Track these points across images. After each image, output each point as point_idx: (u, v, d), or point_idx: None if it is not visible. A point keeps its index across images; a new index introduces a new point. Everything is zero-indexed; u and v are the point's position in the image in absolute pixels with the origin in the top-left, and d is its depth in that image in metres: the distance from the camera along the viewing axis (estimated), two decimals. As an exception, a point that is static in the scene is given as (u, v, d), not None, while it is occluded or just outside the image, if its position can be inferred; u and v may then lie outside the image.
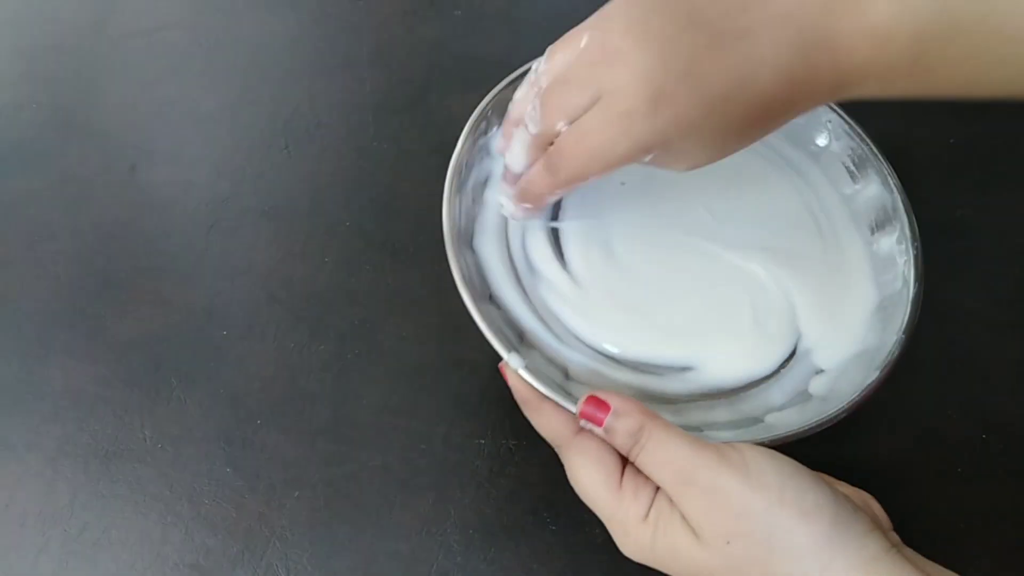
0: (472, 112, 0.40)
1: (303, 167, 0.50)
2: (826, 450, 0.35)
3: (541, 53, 0.38)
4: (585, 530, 0.39)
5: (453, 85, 0.48)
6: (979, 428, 0.42)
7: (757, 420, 0.35)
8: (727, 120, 0.32)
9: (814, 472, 0.29)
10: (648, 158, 0.33)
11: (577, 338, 0.37)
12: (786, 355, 0.38)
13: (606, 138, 0.32)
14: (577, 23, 0.38)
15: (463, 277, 0.35)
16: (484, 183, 0.41)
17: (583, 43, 0.33)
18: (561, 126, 0.33)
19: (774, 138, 0.43)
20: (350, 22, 0.57)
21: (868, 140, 0.41)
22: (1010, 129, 0.53)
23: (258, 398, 0.42)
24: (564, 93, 0.33)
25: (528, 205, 0.37)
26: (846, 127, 0.42)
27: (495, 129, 0.41)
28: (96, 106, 0.53)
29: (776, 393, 0.37)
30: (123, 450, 0.41)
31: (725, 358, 0.37)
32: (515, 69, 0.41)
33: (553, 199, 0.38)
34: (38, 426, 0.42)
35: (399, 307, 0.45)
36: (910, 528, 0.33)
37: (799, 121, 0.37)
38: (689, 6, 0.31)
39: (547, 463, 0.41)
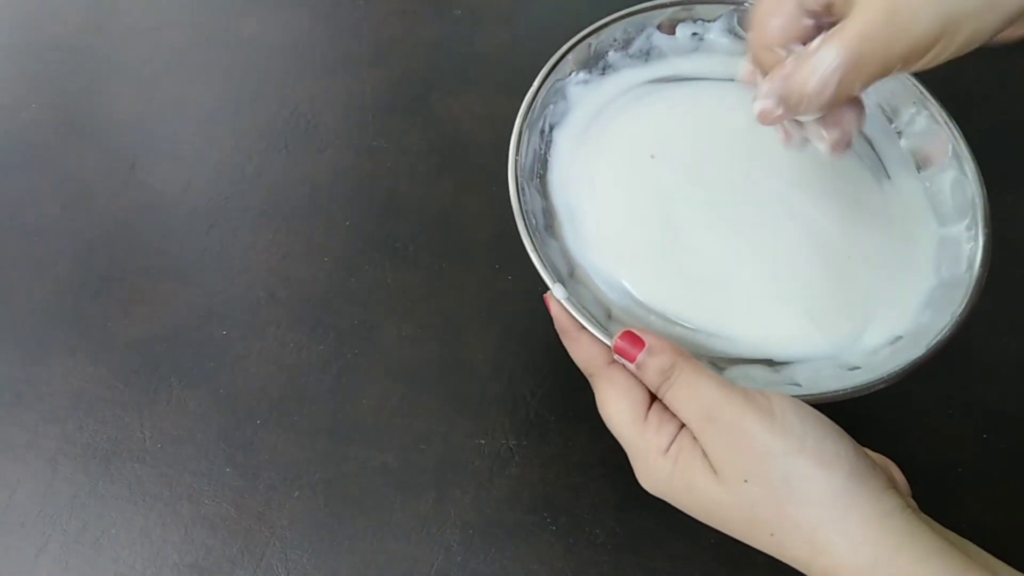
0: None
1: (303, 167, 0.50)
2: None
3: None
4: (585, 529, 0.39)
5: (453, 84, 0.47)
6: (980, 428, 0.42)
7: (793, 383, 0.34)
8: None
9: (838, 426, 0.29)
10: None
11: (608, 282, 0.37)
12: (834, 342, 0.36)
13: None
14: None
15: (520, 208, 0.35)
16: (555, 126, 0.40)
17: None
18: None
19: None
20: (350, 22, 0.57)
21: (952, 125, 0.40)
22: (1008, 129, 0.53)
23: (258, 398, 0.42)
24: None
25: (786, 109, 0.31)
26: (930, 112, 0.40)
27: (574, 74, 0.40)
28: (96, 106, 0.53)
29: (807, 369, 0.36)
30: (122, 450, 0.41)
31: (762, 334, 0.36)
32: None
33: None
34: (37, 426, 0.42)
35: (399, 307, 0.45)
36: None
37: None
38: None
39: (547, 463, 0.41)
